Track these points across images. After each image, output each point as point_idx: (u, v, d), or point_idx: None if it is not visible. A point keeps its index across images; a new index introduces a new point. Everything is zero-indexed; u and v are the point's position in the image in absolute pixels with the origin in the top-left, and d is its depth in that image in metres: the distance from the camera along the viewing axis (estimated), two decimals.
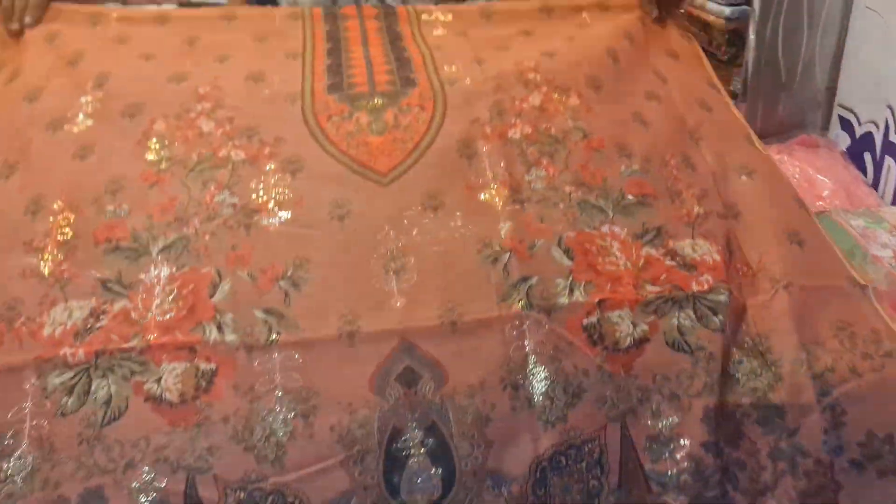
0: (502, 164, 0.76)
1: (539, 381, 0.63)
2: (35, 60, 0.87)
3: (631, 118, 0.82)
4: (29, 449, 0.61)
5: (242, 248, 0.72)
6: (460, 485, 0.61)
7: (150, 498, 0.60)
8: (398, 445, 0.61)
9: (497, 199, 0.75)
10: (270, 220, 0.75)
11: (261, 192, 0.76)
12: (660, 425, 0.63)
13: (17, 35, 0.90)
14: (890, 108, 1.03)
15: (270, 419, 0.62)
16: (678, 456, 0.62)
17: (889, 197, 1.03)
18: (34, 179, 0.75)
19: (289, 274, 0.70)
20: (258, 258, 0.71)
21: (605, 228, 0.72)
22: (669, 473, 0.62)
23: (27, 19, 0.91)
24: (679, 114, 0.85)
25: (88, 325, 0.65)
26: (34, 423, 0.62)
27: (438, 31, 0.99)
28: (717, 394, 0.63)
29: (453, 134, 0.79)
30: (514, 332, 0.65)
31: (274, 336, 0.66)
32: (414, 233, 0.72)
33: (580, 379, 0.63)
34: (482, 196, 0.74)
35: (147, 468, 0.60)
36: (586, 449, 0.62)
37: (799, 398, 0.63)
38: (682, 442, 0.63)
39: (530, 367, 0.64)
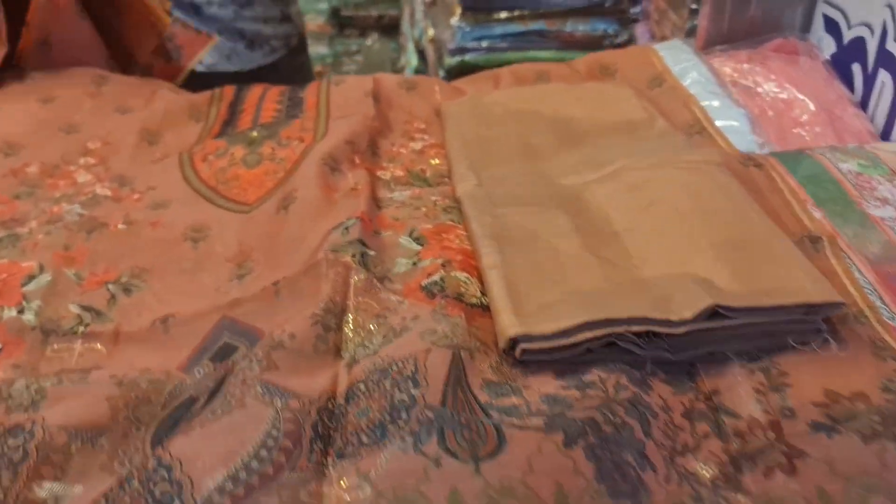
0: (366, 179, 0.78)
1: (350, 327, 0.59)
2: None
3: None
4: None
5: (76, 249, 0.72)
6: (227, 386, 0.55)
7: None
8: (184, 411, 0.55)
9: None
10: (119, 228, 0.76)
11: (116, 214, 0.78)
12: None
13: None
14: (890, 7, 0.85)
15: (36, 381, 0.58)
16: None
17: (880, 123, 0.86)
18: None
19: (122, 280, 0.69)
20: (92, 261, 0.71)
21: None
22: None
23: None
24: None
25: None
26: None
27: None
28: None
29: (322, 150, 0.81)
30: (341, 282, 0.61)
31: (81, 328, 0.64)
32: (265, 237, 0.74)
33: (407, 324, 0.58)
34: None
35: None
36: (394, 368, 0.53)
37: None
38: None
39: (348, 316, 0.59)
